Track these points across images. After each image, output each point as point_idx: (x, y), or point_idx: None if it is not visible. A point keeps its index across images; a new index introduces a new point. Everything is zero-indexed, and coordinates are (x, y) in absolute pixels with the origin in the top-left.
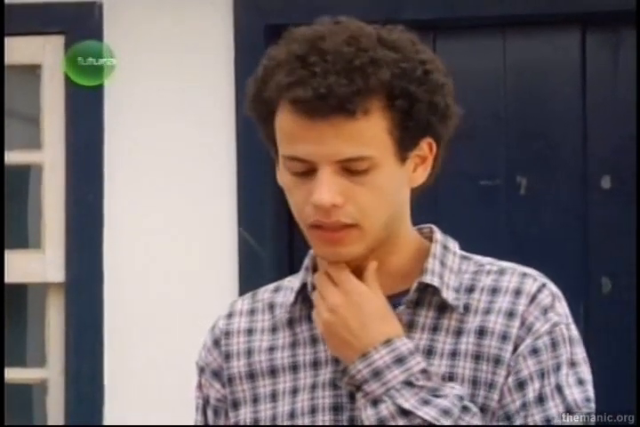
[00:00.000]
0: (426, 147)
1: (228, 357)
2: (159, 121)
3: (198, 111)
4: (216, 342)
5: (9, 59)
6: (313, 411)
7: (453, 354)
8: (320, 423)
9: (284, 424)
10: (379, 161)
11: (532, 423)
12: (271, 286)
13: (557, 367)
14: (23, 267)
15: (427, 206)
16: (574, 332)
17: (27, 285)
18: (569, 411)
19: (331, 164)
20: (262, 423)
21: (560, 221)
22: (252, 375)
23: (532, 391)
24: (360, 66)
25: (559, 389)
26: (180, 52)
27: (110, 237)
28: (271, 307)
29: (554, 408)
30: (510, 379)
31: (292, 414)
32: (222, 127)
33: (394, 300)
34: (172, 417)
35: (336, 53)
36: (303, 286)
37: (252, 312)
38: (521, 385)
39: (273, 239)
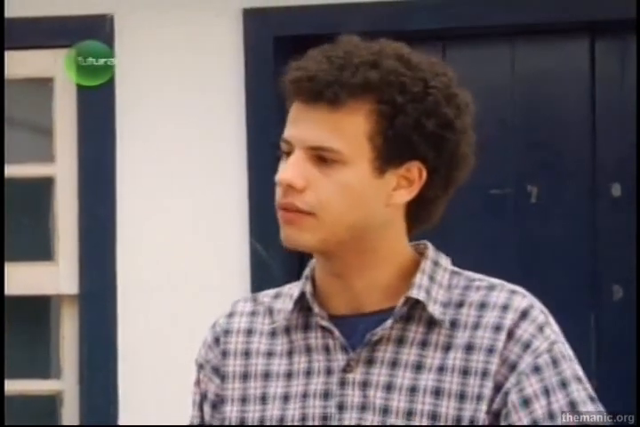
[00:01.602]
0: (415, 171)
1: (224, 354)
2: (171, 133)
3: (210, 122)
4: (216, 340)
5: (21, 72)
6: (303, 419)
7: (441, 369)
8: None
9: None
10: (349, 159)
11: None
12: (272, 292)
13: (563, 384)
14: (37, 279)
15: None
16: (569, 350)
17: (41, 297)
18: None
19: (303, 148)
20: (249, 424)
21: (570, 229)
22: (245, 376)
23: (539, 408)
24: (356, 64)
25: (573, 405)
26: (191, 63)
27: (123, 249)
28: (270, 312)
29: (566, 425)
30: (514, 397)
31: (282, 420)
32: (233, 138)
33: (383, 315)
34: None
35: (349, 53)
36: (302, 295)
37: (252, 314)
38: (526, 403)
39: (283, 250)
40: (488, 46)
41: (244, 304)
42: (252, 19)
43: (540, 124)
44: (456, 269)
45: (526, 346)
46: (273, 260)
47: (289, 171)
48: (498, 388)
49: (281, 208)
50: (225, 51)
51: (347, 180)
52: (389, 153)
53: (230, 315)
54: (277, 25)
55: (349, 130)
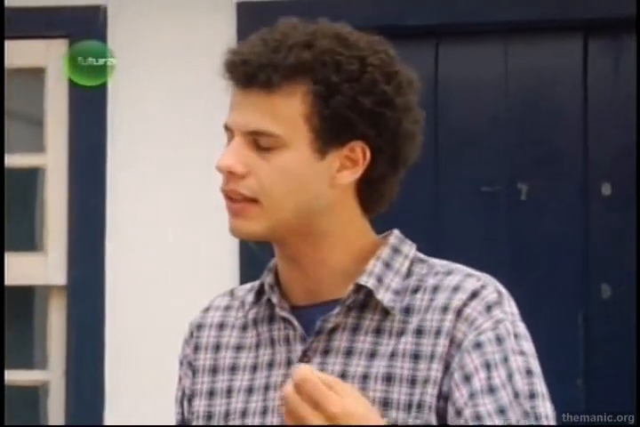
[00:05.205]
0: (359, 151)
1: (196, 348)
2: (163, 125)
3: (203, 116)
4: (191, 335)
5: (13, 62)
6: (264, 412)
7: (392, 355)
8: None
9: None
10: (287, 143)
11: (484, 413)
12: (248, 286)
13: (505, 359)
14: (26, 269)
15: (427, 211)
16: (521, 329)
17: (29, 287)
18: (516, 396)
19: (241, 134)
20: (216, 418)
21: (560, 228)
22: (214, 370)
23: (477, 381)
24: (289, 45)
25: (510, 377)
26: (185, 55)
27: (113, 241)
28: (243, 305)
29: (505, 398)
30: (456, 375)
31: (245, 413)
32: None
33: (337, 303)
34: (173, 422)
35: (285, 34)
36: (262, 287)
37: (227, 308)
38: (467, 378)
39: None
40: (481, 43)
41: (222, 299)
42: (246, 12)
43: (531, 122)
44: (422, 256)
45: (471, 324)
46: (263, 253)
47: (228, 157)
48: (448, 369)
49: (226, 196)
50: (218, 43)
51: (286, 164)
52: (328, 134)
53: (206, 309)
54: (271, 19)
55: (285, 113)
